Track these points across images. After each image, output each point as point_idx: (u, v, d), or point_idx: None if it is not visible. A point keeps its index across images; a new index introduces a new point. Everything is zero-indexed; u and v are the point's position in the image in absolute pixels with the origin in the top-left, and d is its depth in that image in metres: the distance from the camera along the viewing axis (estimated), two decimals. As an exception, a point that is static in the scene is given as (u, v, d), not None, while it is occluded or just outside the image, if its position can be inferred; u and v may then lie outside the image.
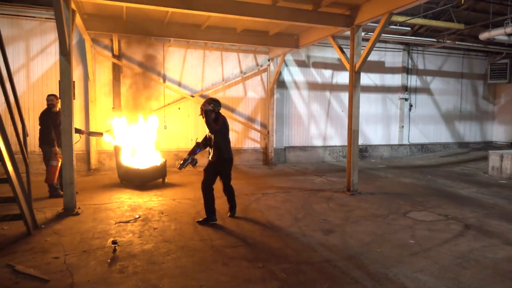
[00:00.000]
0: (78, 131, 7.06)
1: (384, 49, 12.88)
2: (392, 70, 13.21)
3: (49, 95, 6.98)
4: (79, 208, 5.98)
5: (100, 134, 8.12)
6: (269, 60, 11.44)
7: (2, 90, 4.75)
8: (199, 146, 5.69)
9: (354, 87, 7.43)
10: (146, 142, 8.65)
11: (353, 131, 7.47)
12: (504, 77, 13.79)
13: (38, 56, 9.27)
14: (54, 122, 6.76)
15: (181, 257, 4.18)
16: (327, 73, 12.29)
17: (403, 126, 13.46)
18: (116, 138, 8.45)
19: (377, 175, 9.86)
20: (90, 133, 8.26)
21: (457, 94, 14.49)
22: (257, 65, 11.44)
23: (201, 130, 10.88)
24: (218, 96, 11.08)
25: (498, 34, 10.40)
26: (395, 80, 13.29)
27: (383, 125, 13.25)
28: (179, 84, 10.67)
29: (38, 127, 6.85)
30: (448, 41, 12.09)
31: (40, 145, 6.82)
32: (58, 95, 6.76)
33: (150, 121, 8.82)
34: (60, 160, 6.59)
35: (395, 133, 13.44)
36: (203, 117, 5.48)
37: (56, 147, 6.62)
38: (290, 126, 11.96)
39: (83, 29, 8.15)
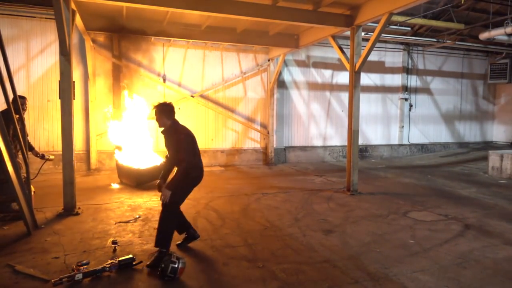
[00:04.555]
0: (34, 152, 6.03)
1: (384, 49, 12.88)
2: (392, 70, 13.21)
3: (24, 97, 5.80)
4: (79, 208, 5.98)
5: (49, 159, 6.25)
6: (269, 60, 11.44)
7: (2, 90, 4.75)
8: None
9: (354, 87, 7.43)
10: (145, 141, 8.65)
11: (353, 131, 7.47)
12: (504, 77, 13.78)
13: (38, 56, 9.26)
14: (14, 128, 5.16)
15: (181, 257, 4.18)
16: (327, 73, 12.30)
17: (403, 126, 13.45)
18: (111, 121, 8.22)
19: (377, 175, 9.86)
20: (41, 156, 6.13)
21: (457, 94, 14.49)
22: (257, 65, 11.43)
23: (201, 131, 10.90)
24: (218, 96, 11.11)
25: (498, 34, 10.39)
26: (395, 80, 13.29)
27: (383, 125, 13.25)
28: (179, 84, 10.66)
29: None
30: (448, 41, 12.09)
31: None
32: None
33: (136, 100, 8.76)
34: None
35: (395, 133, 13.44)
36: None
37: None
38: (290, 126, 11.96)
39: (83, 29, 8.17)
